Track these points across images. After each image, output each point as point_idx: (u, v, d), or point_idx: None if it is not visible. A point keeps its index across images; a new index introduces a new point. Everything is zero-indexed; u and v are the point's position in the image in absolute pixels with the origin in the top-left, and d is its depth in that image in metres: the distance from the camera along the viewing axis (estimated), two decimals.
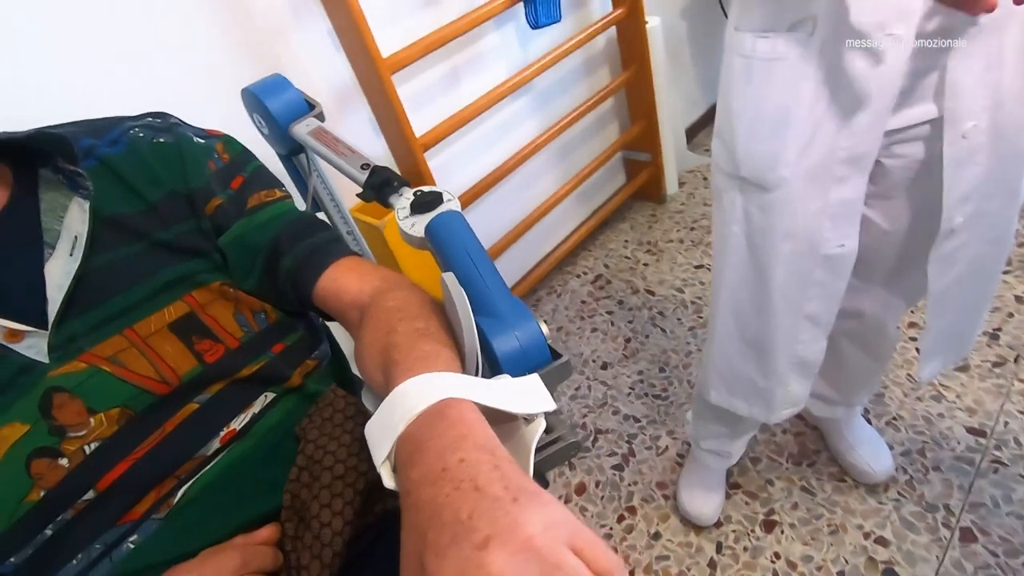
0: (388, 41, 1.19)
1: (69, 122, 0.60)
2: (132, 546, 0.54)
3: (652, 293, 1.79)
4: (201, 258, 0.58)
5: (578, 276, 1.96)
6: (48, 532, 0.51)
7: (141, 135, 0.59)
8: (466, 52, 1.43)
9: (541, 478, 0.43)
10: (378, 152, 1.34)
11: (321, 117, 0.75)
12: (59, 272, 0.52)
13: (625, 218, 2.14)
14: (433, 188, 0.61)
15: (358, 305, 0.54)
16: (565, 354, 0.46)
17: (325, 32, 1.17)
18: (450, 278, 0.45)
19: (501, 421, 0.38)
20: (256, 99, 0.72)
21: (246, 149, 0.65)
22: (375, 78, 1.15)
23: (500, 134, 1.61)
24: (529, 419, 0.38)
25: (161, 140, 0.59)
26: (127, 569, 0.54)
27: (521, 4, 1.40)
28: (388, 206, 0.63)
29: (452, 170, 1.50)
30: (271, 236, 0.58)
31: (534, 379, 0.40)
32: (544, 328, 0.46)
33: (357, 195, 0.67)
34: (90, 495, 0.52)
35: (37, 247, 0.52)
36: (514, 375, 0.41)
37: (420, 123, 1.34)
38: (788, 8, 0.66)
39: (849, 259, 0.78)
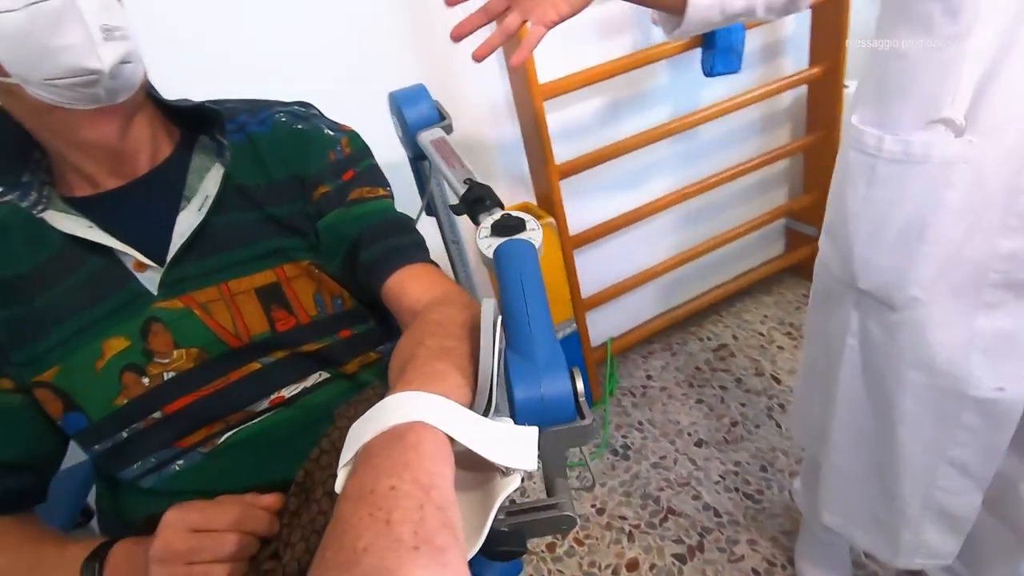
0: (553, 66, 1.21)
1: (239, 99, 0.69)
2: (176, 469, 0.60)
3: (778, 381, 1.60)
4: (299, 237, 0.63)
5: (701, 340, 1.81)
6: (123, 435, 0.59)
7: (284, 119, 0.66)
8: (631, 87, 1.41)
9: (521, 540, 0.39)
10: (519, 171, 1.37)
11: (448, 129, 0.78)
12: (185, 223, 0.60)
13: (771, 292, 1.94)
14: (521, 214, 0.60)
15: (412, 312, 0.55)
16: (589, 416, 0.41)
17: (492, 56, 1.22)
18: (487, 306, 0.43)
19: (481, 466, 0.35)
20: (396, 104, 0.78)
21: (366, 147, 0.69)
22: (528, 101, 1.18)
23: (650, 175, 1.55)
24: (507, 472, 0.34)
25: (298, 127, 0.65)
26: (166, 487, 0.60)
27: (699, 49, 1.35)
28: (476, 223, 0.63)
29: (590, 201, 1.48)
30: (359, 229, 0.61)
31: (530, 432, 0.37)
32: (579, 384, 0.42)
33: (450, 206, 0.69)
34: (157, 415, 0.59)
35: (177, 198, 0.61)
36: (528, 424, 0.38)
37: (568, 149, 1.34)
38: (933, 102, 0.54)
39: (1015, 407, 0.61)
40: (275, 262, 0.62)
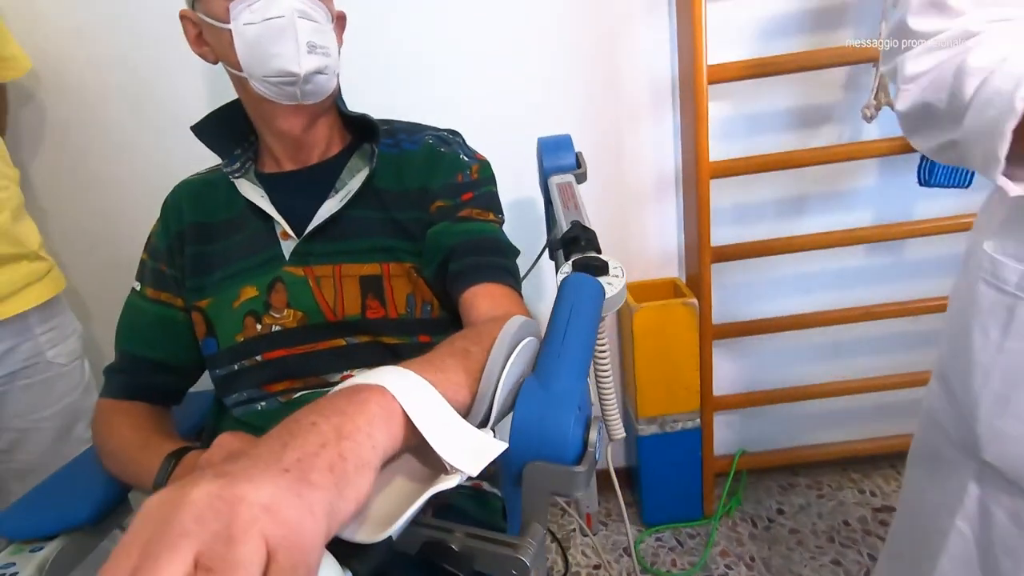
0: (731, 145, 1.17)
1: (407, 121, 0.80)
2: (259, 408, 0.69)
3: None
4: (410, 241, 0.69)
5: (862, 492, 1.50)
6: (234, 367, 0.70)
7: (431, 141, 0.75)
8: (823, 182, 1.28)
9: (467, 566, 0.36)
10: (673, 245, 1.33)
11: (580, 177, 0.80)
12: (326, 208, 0.71)
13: None
14: (610, 260, 0.59)
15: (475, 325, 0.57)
16: (587, 468, 0.37)
17: (669, 123, 1.23)
18: (513, 322, 0.43)
19: (437, 466, 0.34)
20: (539, 148, 0.83)
21: (492, 177, 0.75)
22: (693, 172, 1.15)
23: (825, 281, 1.37)
24: (451, 471, 0.32)
25: (440, 149, 0.74)
26: (248, 420, 0.69)
27: (916, 153, 1.18)
28: (565, 259, 0.63)
29: (745, 293, 1.35)
30: (456, 241, 0.66)
31: (493, 445, 0.34)
32: (592, 434, 0.39)
33: (547, 243, 0.69)
34: (259, 358, 0.69)
35: (329, 188, 0.72)
36: (521, 452, 0.36)
37: (732, 232, 1.26)
38: None
39: None
40: (383, 258, 0.69)
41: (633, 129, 1.23)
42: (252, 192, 0.72)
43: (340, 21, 0.73)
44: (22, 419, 0.99)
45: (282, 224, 0.71)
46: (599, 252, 0.62)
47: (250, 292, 0.70)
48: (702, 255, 1.20)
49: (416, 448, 0.34)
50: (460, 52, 1.15)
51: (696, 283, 1.24)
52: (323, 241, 0.70)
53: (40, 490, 0.78)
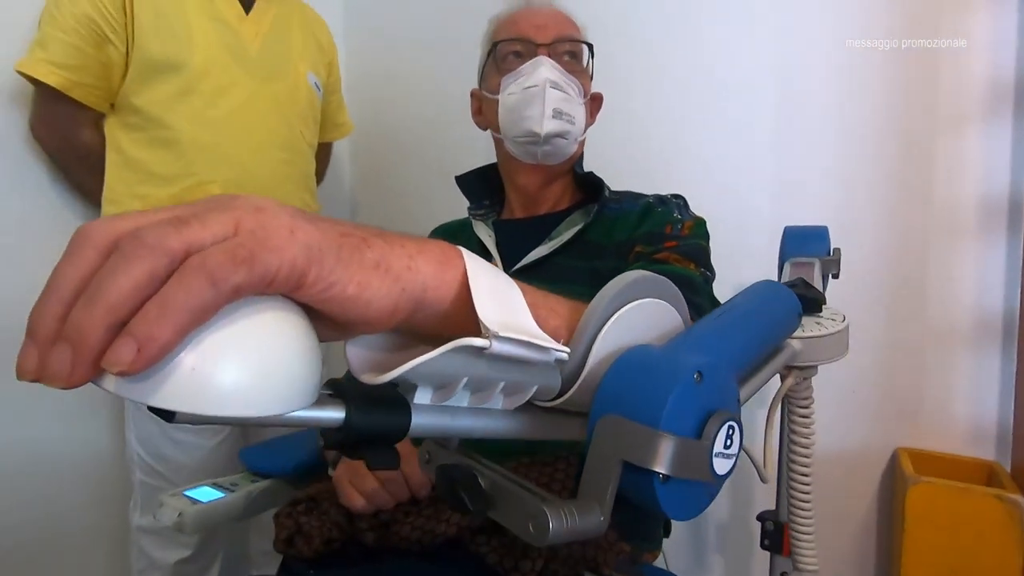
0: None
1: (645, 193, 0.81)
2: None
3: None
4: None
5: None
6: None
7: (651, 201, 0.76)
8: None
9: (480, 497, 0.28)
10: (992, 417, 0.96)
11: (828, 267, 0.68)
12: (536, 253, 0.76)
13: None
14: (824, 299, 0.47)
15: None
16: (670, 439, 0.27)
17: (1001, 253, 0.94)
18: (637, 274, 0.34)
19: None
20: (784, 239, 0.74)
21: (706, 235, 0.72)
22: None
23: None
24: (485, 334, 0.26)
25: (658, 209, 0.74)
26: None
27: None
28: None
29: None
30: None
31: (542, 336, 0.28)
32: (714, 429, 0.29)
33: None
34: None
35: (545, 236, 0.77)
36: (601, 403, 0.29)
37: None
38: None
39: None
40: None
41: (945, 253, 0.98)
42: (483, 232, 0.82)
43: (596, 100, 0.83)
44: None
45: (497, 261, 0.77)
46: (819, 306, 0.49)
47: None
48: None
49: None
50: (751, 142, 1.12)
51: None
52: (526, 281, 0.73)
53: (272, 442, 0.99)
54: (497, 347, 0.25)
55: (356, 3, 1.55)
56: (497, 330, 0.25)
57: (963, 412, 0.98)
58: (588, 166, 0.82)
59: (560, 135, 0.73)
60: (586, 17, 0.82)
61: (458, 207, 0.91)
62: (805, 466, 0.50)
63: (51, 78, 0.91)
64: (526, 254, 0.75)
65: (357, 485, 0.61)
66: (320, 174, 1.33)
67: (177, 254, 0.19)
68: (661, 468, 0.26)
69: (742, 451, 0.45)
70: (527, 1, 0.79)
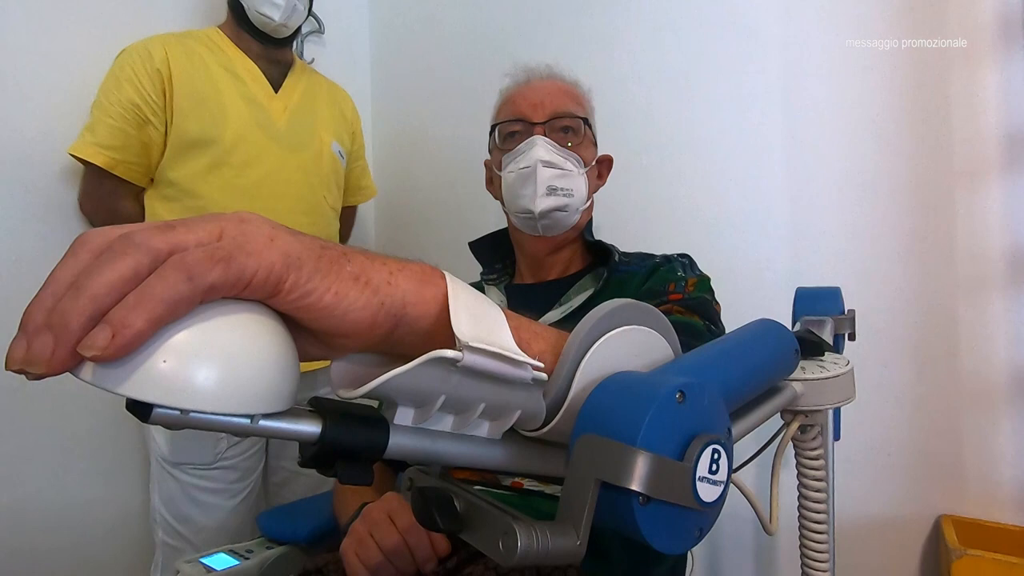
0: None
1: (654, 254, 0.83)
2: None
3: None
4: None
5: None
6: None
7: (658, 261, 0.79)
8: None
9: (452, 512, 0.27)
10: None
11: (841, 326, 0.67)
12: (546, 319, 0.78)
13: None
14: (827, 345, 0.46)
15: None
16: (645, 456, 0.26)
17: None
18: (624, 302, 0.35)
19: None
20: (795, 301, 0.74)
21: (710, 291, 0.73)
22: None
23: None
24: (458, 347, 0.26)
25: (663, 268, 0.77)
26: None
27: None
28: None
29: None
30: None
31: (516, 352, 0.28)
32: (696, 452, 0.29)
33: None
34: None
35: (555, 301, 0.79)
36: (581, 422, 0.29)
37: None
38: None
39: None
40: None
41: (974, 306, 0.95)
42: (495, 296, 0.85)
43: (604, 164, 0.86)
44: (292, 463, 1.21)
45: None
46: (823, 352, 0.49)
47: None
48: None
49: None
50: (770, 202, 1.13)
51: None
52: None
53: (289, 506, 1.04)
54: (469, 359, 0.26)
55: (382, 72, 1.66)
56: (468, 341, 0.25)
57: (1009, 476, 0.92)
58: (602, 225, 0.85)
59: (558, 209, 0.76)
60: (593, 79, 0.87)
61: (478, 268, 0.93)
62: (819, 522, 0.47)
63: (98, 158, 1.00)
64: (537, 319, 0.77)
65: (363, 557, 0.61)
66: (344, 235, 1.39)
67: (161, 253, 0.20)
68: (636, 486, 0.25)
69: (749, 505, 0.43)
70: (528, 77, 0.83)
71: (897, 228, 1.01)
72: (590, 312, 0.33)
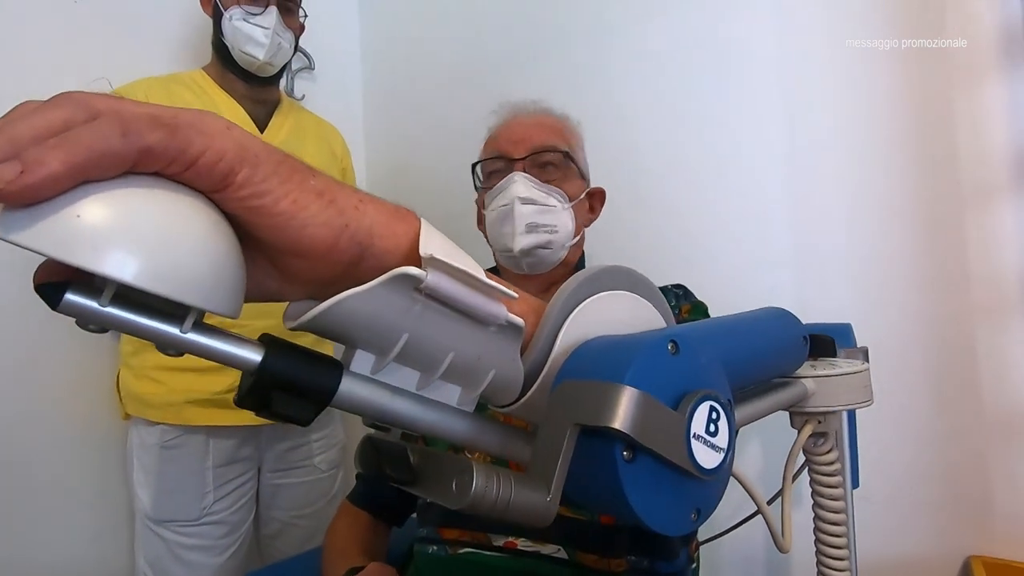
0: None
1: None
2: (429, 551, 0.68)
3: None
4: None
5: None
6: (426, 501, 0.71)
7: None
8: None
9: (406, 464, 0.23)
10: None
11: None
12: None
13: None
14: (852, 361, 0.43)
15: None
16: (631, 394, 0.23)
17: None
18: (613, 267, 0.32)
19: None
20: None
21: (707, 316, 0.71)
22: None
23: None
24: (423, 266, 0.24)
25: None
26: (420, 562, 0.70)
27: None
28: None
29: None
30: None
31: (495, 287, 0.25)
32: (690, 406, 0.26)
33: None
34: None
35: None
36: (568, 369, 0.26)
37: None
38: None
39: None
40: None
41: (994, 335, 0.89)
42: None
43: (594, 197, 0.82)
44: (285, 513, 1.14)
45: None
46: (834, 354, 0.45)
47: None
48: None
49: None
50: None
51: None
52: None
53: (278, 566, 1.01)
54: (434, 279, 0.23)
55: (375, 106, 1.68)
56: (435, 255, 0.23)
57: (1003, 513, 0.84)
58: (598, 258, 0.81)
59: (540, 247, 0.73)
60: (584, 110, 0.86)
61: None
62: (837, 547, 0.42)
63: None
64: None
65: None
66: None
67: (100, 112, 0.18)
68: (619, 424, 0.22)
69: (759, 516, 0.38)
70: (514, 113, 0.82)
71: (907, 254, 0.97)
72: (576, 274, 0.30)
